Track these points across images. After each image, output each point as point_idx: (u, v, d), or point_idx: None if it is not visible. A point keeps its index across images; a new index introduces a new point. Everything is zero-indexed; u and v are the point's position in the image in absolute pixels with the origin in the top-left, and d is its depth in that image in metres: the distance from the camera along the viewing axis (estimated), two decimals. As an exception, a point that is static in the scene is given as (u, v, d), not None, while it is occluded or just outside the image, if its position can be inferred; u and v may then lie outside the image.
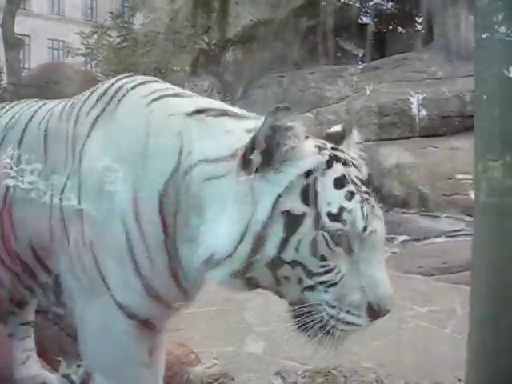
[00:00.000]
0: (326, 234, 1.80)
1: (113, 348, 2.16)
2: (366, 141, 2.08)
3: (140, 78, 2.36)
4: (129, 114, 2.19)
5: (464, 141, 8.16)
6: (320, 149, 1.92)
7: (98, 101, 2.28)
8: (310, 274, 1.83)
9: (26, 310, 2.99)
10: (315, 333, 1.85)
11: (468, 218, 7.72)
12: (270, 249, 1.83)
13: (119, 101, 2.22)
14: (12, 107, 2.72)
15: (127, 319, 2.10)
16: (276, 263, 1.83)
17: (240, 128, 2.04)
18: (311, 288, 1.84)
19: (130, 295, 2.09)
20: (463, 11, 11.51)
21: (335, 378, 3.43)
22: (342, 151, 1.98)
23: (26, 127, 2.47)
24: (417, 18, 16.13)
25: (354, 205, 1.83)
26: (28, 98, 2.87)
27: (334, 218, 1.81)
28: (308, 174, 1.85)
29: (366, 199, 1.86)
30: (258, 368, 3.15)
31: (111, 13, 21.36)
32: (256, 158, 1.87)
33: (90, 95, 2.33)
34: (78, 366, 2.89)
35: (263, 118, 1.97)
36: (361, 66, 13.60)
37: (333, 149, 1.96)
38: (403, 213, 9.01)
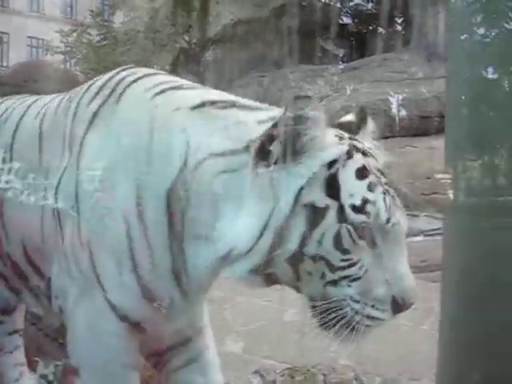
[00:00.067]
0: (349, 226, 1.76)
1: (102, 349, 2.11)
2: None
3: (142, 71, 2.27)
4: (131, 108, 2.11)
5: (443, 141, 8.22)
6: (340, 138, 1.88)
7: (97, 93, 2.18)
8: (333, 269, 1.79)
9: (14, 316, 2.86)
10: (340, 330, 1.82)
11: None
12: (292, 243, 1.78)
13: (121, 94, 2.14)
14: (2, 102, 2.63)
15: (119, 321, 2.05)
16: (297, 258, 1.79)
17: (252, 119, 1.97)
18: (334, 283, 1.80)
19: (124, 296, 2.04)
20: (443, 12, 11.59)
21: (314, 376, 3.44)
22: (359, 141, 1.94)
23: (19, 122, 2.38)
24: (397, 19, 16.20)
25: (376, 196, 1.79)
26: (6, 96, 2.80)
27: (358, 210, 1.77)
28: (330, 165, 1.80)
29: (387, 190, 1.83)
30: (237, 367, 3.14)
31: (91, 11, 21.24)
32: (276, 149, 1.82)
33: (89, 88, 2.24)
34: (56, 366, 2.87)
35: (274, 108, 1.94)
36: (341, 66, 13.64)
37: (350, 139, 1.92)
38: (382, 212, 9.04)
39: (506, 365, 1.24)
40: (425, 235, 8.29)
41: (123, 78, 2.19)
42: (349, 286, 1.79)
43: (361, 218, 1.76)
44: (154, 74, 2.26)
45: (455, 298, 1.34)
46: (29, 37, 32.08)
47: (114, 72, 2.28)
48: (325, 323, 1.82)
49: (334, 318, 1.80)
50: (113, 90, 2.16)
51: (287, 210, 1.78)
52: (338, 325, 1.81)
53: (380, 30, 16.23)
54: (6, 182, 2.32)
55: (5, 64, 23.12)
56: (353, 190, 1.79)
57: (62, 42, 21.15)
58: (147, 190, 1.99)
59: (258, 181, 1.84)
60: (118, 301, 2.04)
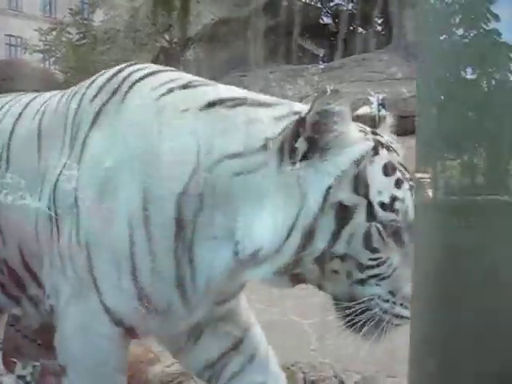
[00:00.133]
0: (378, 225, 1.72)
1: (92, 351, 2.07)
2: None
3: (148, 68, 2.18)
4: (137, 109, 2.03)
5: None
6: (364, 134, 1.84)
7: (101, 90, 2.10)
8: (362, 268, 1.75)
9: None
10: (369, 331, 1.78)
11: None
12: (320, 243, 1.74)
13: (126, 93, 2.05)
14: None
15: (112, 325, 2.01)
16: (325, 257, 1.75)
17: (267, 116, 1.90)
18: (361, 282, 1.77)
19: (120, 300, 1.99)
20: (421, 13, 11.66)
21: (294, 374, 3.44)
22: (381, 136, 1.90)
23: (15, 122, 2.29)
24: (376, 19, 16.29)
25: (404, 193, 1.76)
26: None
27: (387, 207, 1.73)
28: (357, 161, 1.76)
29: (412, 186, 1.78)
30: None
31: (70, 9, 21.07)
32: (301, 145, 1.77)
33: (92, 83, 2.16)
34: (34, 366, 2.85)
35: (289, 103, 1.88)
36: (321, 66, 13.68)
37: (373, 133, 1.88)
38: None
39: (478, 363, 1.25)
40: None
41: (128, 75, 2.11)
42: (377, 284, 1.76)
43: (390, 216, 1.73)
44: (161, 71, 2.18)
45: (427, 297, 1.34)
46: (7, 35, 31.84)
47: (118, 68, 2.19)
48: (353, 325, 1.78)
49: (362, 319, 1.77)
50: (117, 88, 2.08)
51: (316, 209, 1.73)
52: (367, 326, 1.77)
53: (360, 30, 16.31)
54: (2, 184, 2.23)
55: (-17, 62, 22.83)
56: (381, 187, 1.75)
57: (41, 40, 20.96)
58: (155, 193, 1.92)
59: (282, 179, 1.79)
60: (114, 304, 1.99)
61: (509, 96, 1.23)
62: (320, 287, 1.85)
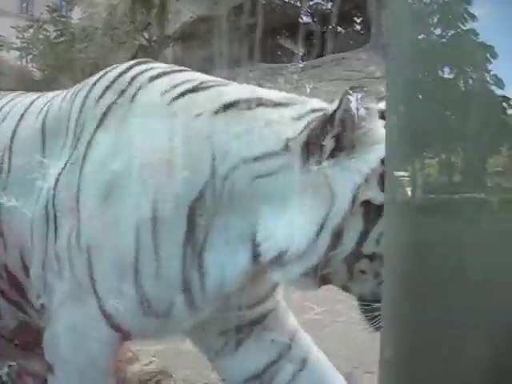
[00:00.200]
0: None
1: (84, 354, 2.04)
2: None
3: (158, 67, 2.10)
4: (147, 114, 1.96)
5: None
6: None
7: (108, 88, 2.03)
8: None
9: None
10: None
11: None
12: (349, 242, 1.71)
13: (135, 94, 1.98)
14: None
15: (109, 329, 1.97)
16: (354, 257, 1.72)
17: (285, 116, 1.85)
18: None
19: (121, 305, 1.95)
20: (398, 12, 11.75)
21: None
22: None
23: (18, 124, 2.22)
24: (355, 19, 16.37)
25: None
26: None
27: None
28: (384, 158, 1.68)
29: None
30: (196, 364, 3.13)
31: (48, 6, 20.87)
32: (329, 143, 1.73)
33: (99, 80, 2.08)
34: (10, 366, 2.82)
35: (306, 100, 1.84)
36: (301, 65, 13.72)
37: None
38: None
39: (446, 361, 1.26)
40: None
41: (137, 75, 2.04)
42: None
43: None
44: (171, 71, 2.10)
45: (397, 294, 1.35)
46: (-17, 32, 31.45)
47: (126, 65, 2.11)
48: (381, 327, 1.72)
49: None
50: (126, 88, 2.01)
51: (345, 208, 1.70)
52: None
53: (339, 29, 16.38)
54: (4, 187, 2.17)
55: (-42, 59, 22.56)
56: None
57: (18, 37, 20.72)
58: (166, 201, 1.88)
59: (308, 179, 1.76)
60: (113, 309, 1.95)
61: (486, 95, 1.24)
62: (346, 288, 1.83)
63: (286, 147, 1.80)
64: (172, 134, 1.92)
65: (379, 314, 1.71)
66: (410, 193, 1.31)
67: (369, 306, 1.77)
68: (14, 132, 2.23)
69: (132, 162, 1.93)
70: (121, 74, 2.07)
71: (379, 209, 1.66)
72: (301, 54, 16.10)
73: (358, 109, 1.72)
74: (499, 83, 1.21)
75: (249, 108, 1.91)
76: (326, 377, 2.17)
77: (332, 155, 1.73)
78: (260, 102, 1.92)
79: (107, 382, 2.07)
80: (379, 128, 1.74)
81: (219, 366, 2.30)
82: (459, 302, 1.23)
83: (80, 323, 2.00)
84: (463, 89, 1.28)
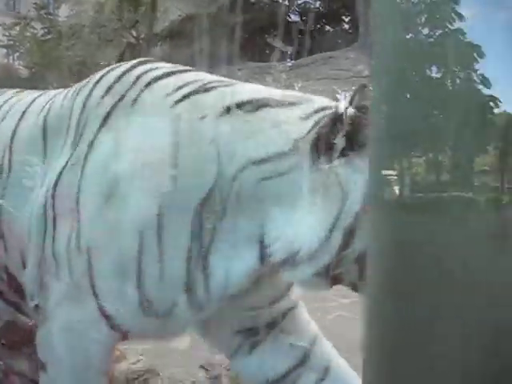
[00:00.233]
0: None
1: (80, 354, 2.03)
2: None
3: (161, 67, 2.06)
4: (151, 116, 1.94)
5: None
6: None
7: (110, 88, 2.01)
8: None
9: None
10: None
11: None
12: (361, 241, 1.69)
13: (138, 96, 1.96)
14: None
15: (108, 330, 1.97)
16: (366, 257, 1.65)
17: (292, 117, 1.84)
18: None
19: (121, 306, 1.94)
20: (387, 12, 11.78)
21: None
22: None
23: (18, 123, 2.19)
24: (344, 18, 16.39)
25: None
26: None
27: None
28: None
29: None
30: (183, 363, 3.13)
31: (35, 4, 20.74)
32: (340, 142, 1.73)
33: (101, 79, 2.06)
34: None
35: (313, 99, 1.83)
36: (289, 64, 13.72)
37: None
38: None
39: (430, 361, 1.27)
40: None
41: (140, 76, 2.01)
42: None
43: None
44: (175, 72, 2.07)
45: (380, 293, 1.36)
46: (-31, 29, 31.23)
47: (129, 65, 2.09)
48: None
49: None
50: (129, 88, 1.99)
51: (357, 207, 1.69)
52: None
53: (327, 28, 16.39)
54: (4, 187, 2.15)
55: None
56: None
57: (5, 35, 20.59)
58: (171, 205, 1.87)
59: (319, 178, 1.75)
60: (114, 310, 1.95)
61: (473, 95, 1.25)
62: (355, 288, 1.84)
63: (295, 147, 1.79)
64: (176, 137, 1.89)
65: None
66: (396, 191, 1.31)
67: None
68: (15, 131, 2.21)
69: (135, 164, 1.91)
70: (124, 73, 2.04)
71: None
72: (289, 52, 16.10)
73: (367, 107, 1.70)
74: (486, 82, 1.21)
75: (254, 109, 1.89)
76: None
77: (343, 154, 1.73)
78: (265, 103, 1.90)
79: (101, 381, 2.06)
80: None
81: (237, 367, 2.30)
82: (443, 301, 1.24)
83: (77, 323, 1.99)
84: (450, 88, 1.28)
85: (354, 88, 1.88)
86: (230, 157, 1.85)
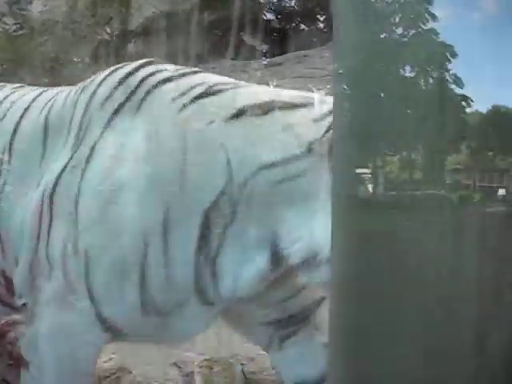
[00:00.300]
0: None
1: (67, 356, 2.03)
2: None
3: (166, 70, 2.00)
4: (157, 121, 1.91)
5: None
6: None
7: (115, 90, 1.98)
8: None
9: None
10: None
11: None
12: None
13: (143, 99, 1.93)
14: None
15: (101, 332, 1.98)
16: None
17: (304, 118, 1.82)
18: None
19: (119, 309, 1.95)
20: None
21: (232, 367, 3.47)
22: None
23: (20, 120, 2.14)
24: (319, 16, 16.42)
25: None
26: None
27: None
28: None
29: None
30: (155, 360, 3.12)
31: (7, -2, 20.46)
32: None
33: (105, 80, 2.02)
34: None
35: (318, 99, 1.81)
36: (264, 62, 13.71)
37: None
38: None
39: (394, 360, 1.28)
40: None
41: (146, 78, 1.97)
42: None
43: None
44: (182, 74, 2.03)
45: (346, 302, 1.37)
46: None
47: (134, 66, 2.03)
48: None
49: None
50: (134, 91, 1.95)
51: None
52: None
53: (302, 26, 16.41)
54: (2, 188, 2.14)
55: None
56: None
57: (-24, 30, 20.30)
58: (178, 210, 1.86)
59: None
60: (111, 312, 1.95)
61: (446, 93, 1.26)
62: None
63: (309, 150, 1.80)
64: (184, 143, 1.88)
65: None
66: (369, 189, 1.32)
67: None
68: (15, 130, 2.20)
69: (141, 169, 1.89)
70: (128, 75, 2.03)
71: None
72: (264, 51, 16.10)
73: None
74: (458, 82, 1.23)
75: (264, 113, 1.89)
76: None
77: None
78: (275, 106, 1.89)
79: (87, 380, 2.05)
80: None
81: (272, 362, 2.28)
82: (403, 294, 1.25)
83: (67, 326, 2.00)
84: (423, 88, 1.30)
85: (328, 86, 1.88)
86: (241, 162, 1.85)
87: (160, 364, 3.34)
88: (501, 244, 1.24)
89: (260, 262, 1.82)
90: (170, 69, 2.08)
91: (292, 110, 1.89)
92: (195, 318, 1.99)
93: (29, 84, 3.59)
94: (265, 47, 16.13)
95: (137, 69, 2.05)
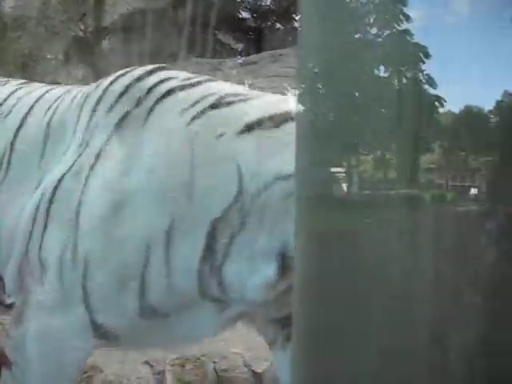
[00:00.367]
0: None
1: (53, 360, 1.98)
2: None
3: (175, 77, 1.99)
4: (166, 133, 1.87)
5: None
6: None
7: (121, 95, 1.92)
8: None
9: None
10: None
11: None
12: None
13: (151, 109, 1.89)
14: None
15: (92, 338, 1.94)
16: None
17: None
18: None
19: (115, 316, 1.92)
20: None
21: (204, 364, 3.47)
22: None
23: (24, 119, 2.09)
24: (294, 15, 16.44)
25: None
26: None
27: None
28: None
29: None
30: (127, 359, 3.11)
31: (-21, -6, 20.19)
32: None
33: (110, 86, 1.98)
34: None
35: None
36: (240, 61, 13.71)
37: None
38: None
39: (347, 340, 1.29)
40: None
41: (154, 87, 1.94)
42: None
43: None
44: (192, 84, 1.99)
45: (308, 304, 1.38)
46: None
47: (141, 72, 2.01)
48: None
49: None
50: (142, 99, 1.92)
51: None
52: None
53: (277, 25, 16.44)
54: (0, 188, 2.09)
55: None
56: None
57: None
58: (184, 221, 1.85)
59: None
60: (106, 319, 1.92)
61: (419, 94, 1.27)
62: None
63: None
64: (192, 156, 1.85)
65: None
66: (343, 188, 1.33)
67: None
68: (19, 128, 2.13)
69: (147, 181, 1.86)
70: (136, 82, 1.98)
71: None
72: (239, 49, 16.10)
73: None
74: (432, 82, 1.24)
75: (276, 125, 1.86)
76: None
77: None
78: (286, 118, 1.86)
79: None
80: None
81: (273, 359, 2.29)
82: (369, 300, 1.26)
83: (58, 330, 1.95)
84: (397, 87, 1.30)
85: (302, 86, 1.88)
86: (254, 174, 1.83)
87: (132, 363, 3.32)
88: (468, 244, 1.25)
89: (268, 271, 1.82)
90: (179, 77, 2.03)
91: None
92: (199, 320, 1.98)
93: None
94: (240, 46, 16.14)
95: (145, 75, 2.01)
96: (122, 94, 1.96)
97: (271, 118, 1.89)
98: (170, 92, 1.94)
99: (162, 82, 1.97)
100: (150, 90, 1.94)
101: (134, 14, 15.32)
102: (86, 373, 3.10)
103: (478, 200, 1.28)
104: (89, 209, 1.90)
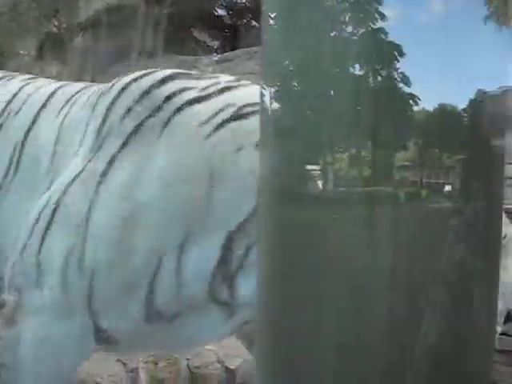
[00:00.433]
0: None
1: (51, 366, 1.96)
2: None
3: (194, 87, 1.93)
4: (183, 146, 1.85)
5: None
6: None
7: (136, 102, 1.88)
8: None
9: None
10: None
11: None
12: None
13: (168, 120, 1.85)
14: (4, 84, 2.22)
15: (92, 343, 1.93)
16: None
17: None
18: None
19: (121, 322, 1.91)
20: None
21: (177, 362, 3.47)
22: None
23: (36, 117, 2.05)
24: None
25: None
26: None
27: None
28: None
29: None
30: (100, 357, 3.09)
31: (-50, -12, 19.89)
32: None
33: (125, 89, 1.93)
34: None
35: None
36: (215, 58, 13.70)
37: None
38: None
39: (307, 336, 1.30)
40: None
41: (171, 97, 1.90)
42: None
43: None
44: (209, 94, 1.94)
45: (273, 300, 1.39)
46: None
47: (159, 77, 1.94)
48: None
49: None
50: (158, 109, 1.88)
51: None
52: None
53: (253, 23, 16.44)
54: (7, 187, 2.05)
55: None
56: None
57: None
58: (199, 234, 1.84)
59: None
60: (111, 325, 1.91)
61: (394, 92, 1.28)
62: None
63: None
64: (210, 169, 1.84)
65: None
66: (329, 187, 1.33)
67: None
68: (30, 128, 2.09)
69: (162, 193, 1.85)
70: (152, 89, 1.94)
71: None
72: (215, 47, 16.07)
73: None
74: (406, 81, 1.25)
75: None
76: None
77: None
78: None
79: None
80: None
81: None
82: (321, 287, 1.27)
83: (57, 335, 1.93)
84: (372, 85, 1.31)
85: (278, 83, 1.89)
86: None
87: (105, 360, 3.30)
88: (437, 240, 1.26)
89: None
90: (198, 86, 1.97)
91: None
92: (204, 324, 1.97)
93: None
94: (216, 43, 16.11)
95: (162, 82, 1.95)
96: (137, 101, 1.93)
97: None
98: (187, 104, 1.92)
99: (179, 91, 1.94)
100: (166, 99, 1.92)
101: (108, 10, 15.21)
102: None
103: (452, 197, 1.29)
104: (99, 217, 1.87)
